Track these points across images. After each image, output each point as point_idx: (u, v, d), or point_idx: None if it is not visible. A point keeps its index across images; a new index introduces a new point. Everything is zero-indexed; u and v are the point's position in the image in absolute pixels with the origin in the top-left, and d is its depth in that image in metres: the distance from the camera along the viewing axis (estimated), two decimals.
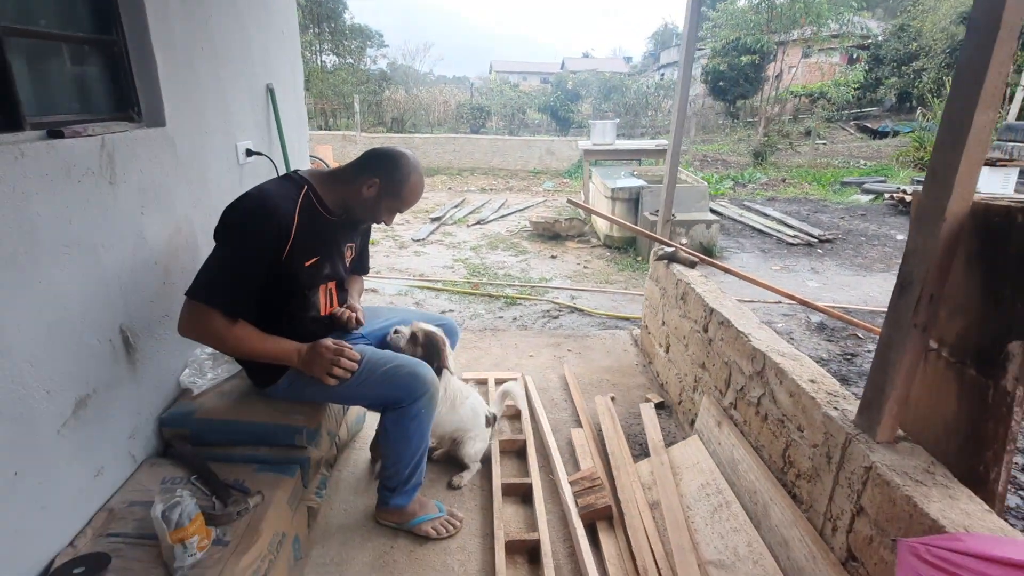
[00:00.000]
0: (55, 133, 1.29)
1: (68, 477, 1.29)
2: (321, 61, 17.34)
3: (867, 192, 8.03)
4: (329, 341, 1.51)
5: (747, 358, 1.74)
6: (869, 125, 15.50)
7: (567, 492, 1.80)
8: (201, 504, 1.35)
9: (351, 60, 18.05)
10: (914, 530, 1.03)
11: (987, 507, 1.02)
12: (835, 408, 1.34)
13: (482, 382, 2.58)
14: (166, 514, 1.21)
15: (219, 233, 1.42)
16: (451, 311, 3.73)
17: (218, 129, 1.95)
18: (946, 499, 1.04)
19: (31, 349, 1.18)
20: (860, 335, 3.21)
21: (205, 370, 1.74)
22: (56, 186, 1.25)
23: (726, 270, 2.68)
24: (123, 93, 1.61)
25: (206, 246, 1.85)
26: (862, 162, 11.32)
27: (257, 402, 1.64)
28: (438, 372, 1.62)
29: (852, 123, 15.98)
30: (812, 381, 1.46)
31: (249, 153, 2.16)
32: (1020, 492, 2.04)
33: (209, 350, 1.80)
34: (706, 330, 2.08)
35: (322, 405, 1.70)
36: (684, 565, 1.48)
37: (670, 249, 2.60)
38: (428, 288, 4.16)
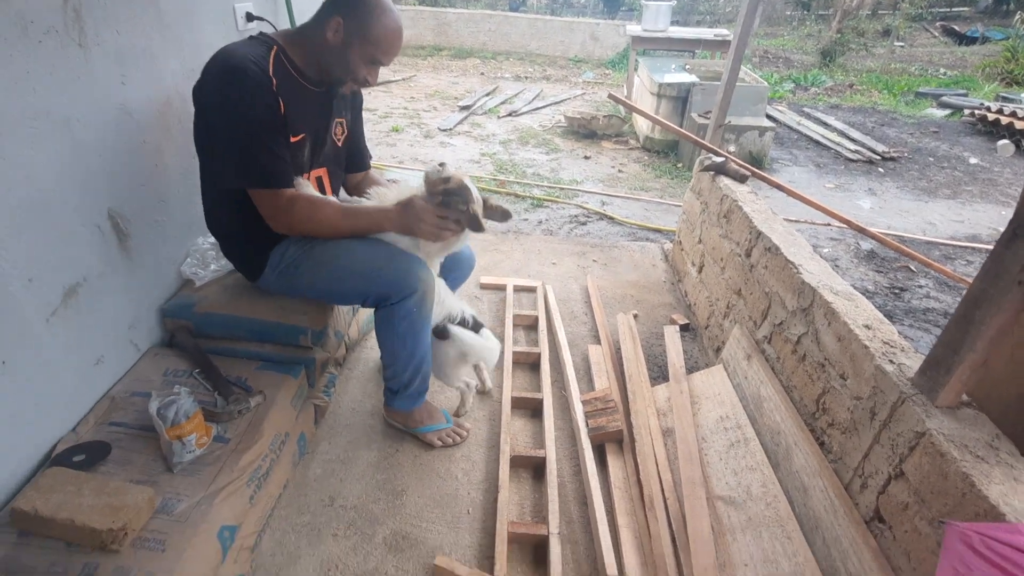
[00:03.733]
0: None
1: (65, 366, 1.25)
2: None
3: (944, 106, 7.16)
4: (422, 200, 1.35)
5: (793, 291, 1.57)
6: (957, 28, 13.54)
7: (579, 411, 1.74)
8: (202, 400, 1.32)
9: None
10: (965, 511, 0.92)
11: None
12: (891, 361, 1.18)
13: (500, 288, 2.48)
14: (161, 411, 1.18)
15: (211, 110, 1.25)
16: None
17: None
18: (1009, 481, 0.91)
19: (2, 234, 1.07)
20: (913, 267, 2.95)
21: (208, 261, 1.65)
22: (10, 47, 1.07)
23: (777, 185, 2.40)
24: None
25: None
26: (942, 71, 10.03)
27: (261, 298, 1.56)
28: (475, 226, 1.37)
29: (938, 24, 13.99)
30: (867, 327, 1.30)
31: (250, 18, 1.89)
32: None
33: (212, 239, 1.69)
34: (749, 254, 1.89)
35: (328, 306, 1.61)
36: (693, 499, 1.43)
37: (719, 159, 2.31)
38: None
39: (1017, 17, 11.16)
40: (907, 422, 1.07)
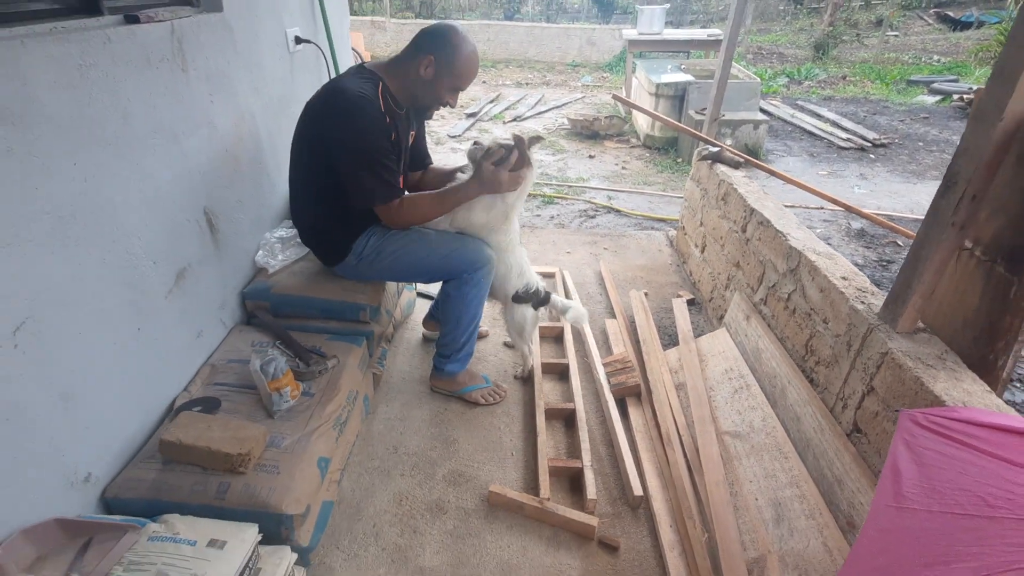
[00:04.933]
0: (131, 18, 1.35)
1: (177, 336, 1.51)
2: None
3: (935, 92, 7.39)
4: (489, 165, 1.61)
5: (783, 256, 1.81)
6: (951, 14, 13.73)
7: (600, 372, 1.99)
8: (288, 364, 1.57)
9: None
10: (917, 404, 1.16)
11: (988, 389, 1.14)
12: (862, 303, 1.43)
13: None
14: (264, 367, 1.43)
15: (338, 144, 1.51)
16: None
17: (268, 14, 1.96)
18: (952, 380, 1.15)
19: (136, 225, 1.34)
20: (900, 243, 3.19)
21: (276, 252, 1.91)
22: (140, 72, 1.34)
23: (771, 172, 2.65)
24: None
25: (266, 136, 1.96)
26: (936, 58, 10.24)
27: (325, 281, 1.82)
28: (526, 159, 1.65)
29: (932, 11, 14.18)
30: (844, 278, 1.54)
31: (298, 40, 2.17)
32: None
33: (279, 234, 1.96)
34: (744, 230, 2.14)
35: (381, 285, 1.87)
36: (704, 434, 1.68)
37: (715, 149, 2.57)
38: None
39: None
40: (875, 346, 1.31)
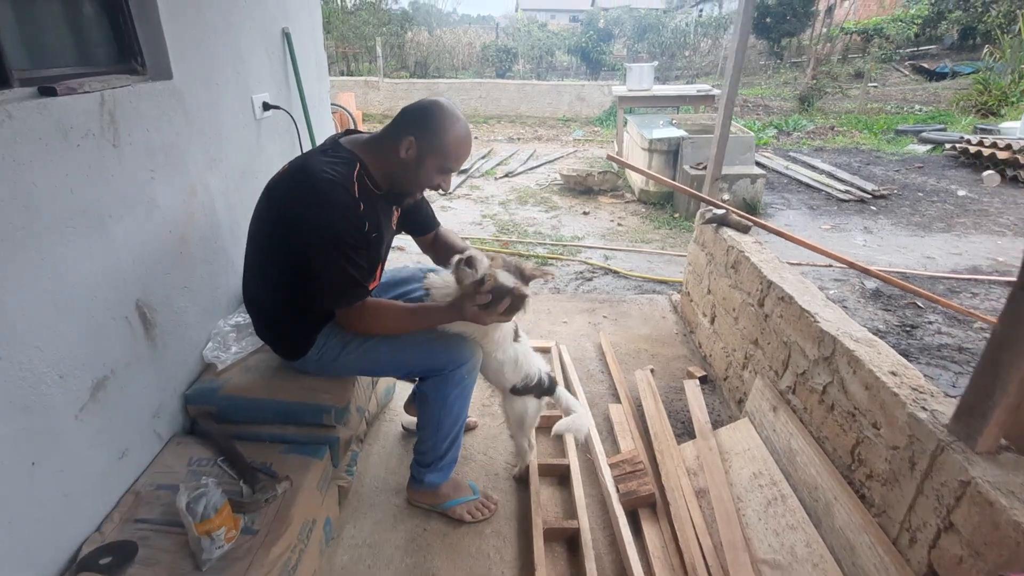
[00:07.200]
0: (47, 90, 1.15)
1: (91, 462, 1.24)
2: (341, 1, 16.62)
3: (925, 142, 7.43)
4: (470, 302, 1.35)
5: (812, 340, 1.58)
6: (926, 65, 14.23)
7: (607, 475, 1.71)
8: (228, 489, 1.29)
9: None
10: (1021, 561, 0.89)
11: None
12: (923, 408, 1.18)
13: None
14: (191, 506, 1.15)
15: (298, 234, 1.30)
16: None
17: (231, 81, 1.79)
18: None
19: (39, 333, 1.09)
20: (920, 304, 2.98)
21: (229, 343, 1.66)
22: (53, 151, 1.13)
23: (779, 233, 2.46)
24: (124, 42, 1.45)
25: (225, 210, 1.75)
26: (917, 107, 10.46)
27: (283, 378, 1.57)
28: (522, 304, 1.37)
29: (907, 64, 14.70)
30: (893, 373, 1.30)
31: (266, 107, 2.00)
32: None
33: (234, 321, 1.71)
34: (761, 304, 1.91)
35: (350, 381, 1.61)
36: (736, 564, 1.38)
37: (720, 211, 2.38)
38: None
39: (985, 50, 11.74)
40: (950, 471, 1.05)
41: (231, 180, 1.77)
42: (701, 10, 24.89)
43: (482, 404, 2.10)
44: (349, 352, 1.45)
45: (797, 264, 3.62)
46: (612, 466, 1.74)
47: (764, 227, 2.38)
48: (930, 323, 2.83)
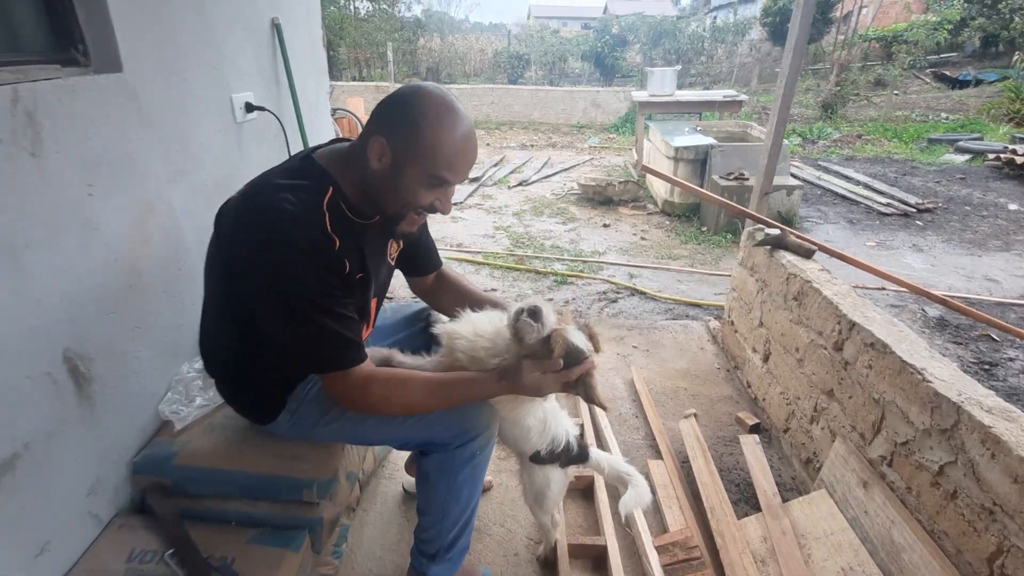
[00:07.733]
0: None
1: None
2: (354, 7, 16.53)
3: (961, 151, 7.03)
4: (529, 364, 1.02)
5: (921, 405, 1.24)
6: (948, 73, 13.77)
7: (653, 562, 1.38)
8: None
9: (385, 6, 17.12)
10: None
11: None
12: None
13: None
14: None
15: (250, 280, 0.98)
16: (494, 289, 3.29)
17: (204, 76, 1.50)
18: None
19: None
20: (995, 336, 2.62)
21: (193, 394, 1.36)
22: None
23: (842, 257, 2.13)
24: (60, 25, 1.16)
25: (192, 230, 1.45)
26: (943, 115, 10.04)
27: (255, 442, 1.26)
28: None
29: (928, 71, 14.24)
30: None
31: (250, 108, 1.71)
32: None
33: (199, 366, 1.41)
34: (839, 348, 1.58)
35: (337, 446, 1.30)
36: None
37: (774, 231, 2.05)
38: (468, 261, 3.72)
39: (1016, 57, 11.31)
40: None
41: (201, 195, 1.48)
42: (715, 16, 24.58)
43: (498, 457, 1.78)
44: (330, 420, 1.13)
45: None
46: (659, 549, 1.42)
47: (824, 250, 2.05)
48: (1011, 360, 2.47)
